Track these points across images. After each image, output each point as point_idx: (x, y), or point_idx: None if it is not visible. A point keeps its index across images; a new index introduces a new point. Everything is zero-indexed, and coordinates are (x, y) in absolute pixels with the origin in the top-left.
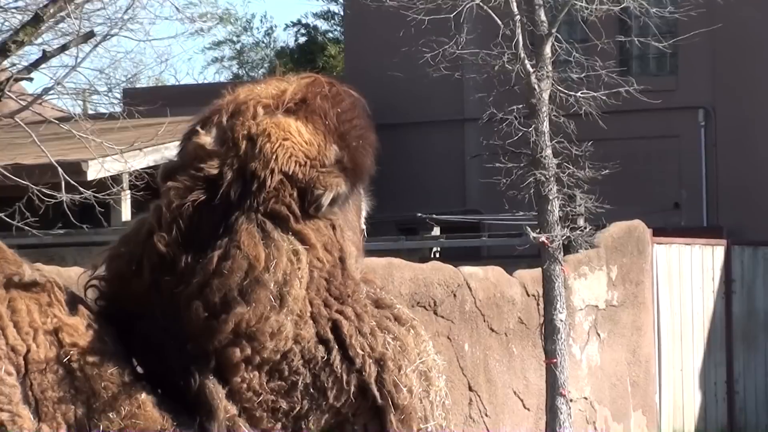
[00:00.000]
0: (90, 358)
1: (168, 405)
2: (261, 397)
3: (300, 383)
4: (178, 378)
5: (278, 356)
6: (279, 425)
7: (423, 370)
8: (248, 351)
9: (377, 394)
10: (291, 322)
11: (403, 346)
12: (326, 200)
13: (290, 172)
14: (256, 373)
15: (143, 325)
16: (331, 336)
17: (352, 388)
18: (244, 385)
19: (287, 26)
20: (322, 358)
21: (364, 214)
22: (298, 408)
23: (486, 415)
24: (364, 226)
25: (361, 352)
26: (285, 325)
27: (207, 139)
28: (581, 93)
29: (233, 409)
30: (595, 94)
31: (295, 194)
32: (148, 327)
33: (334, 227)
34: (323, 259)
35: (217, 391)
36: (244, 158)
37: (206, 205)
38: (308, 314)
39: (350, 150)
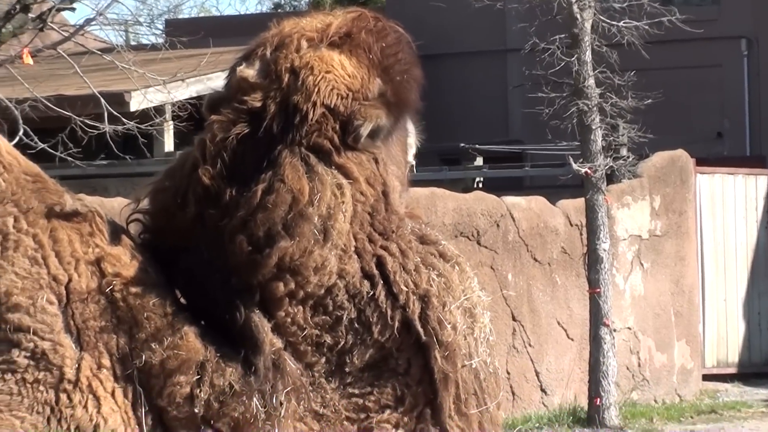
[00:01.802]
0: (133, 289)
1: (211, 337)
2: (306, 332)
3: (344, 318)
4: (222, 312)
5: (322, 291)
6: (323, 359)
7: (467, 306)
8: (292, 285)
9: (421, 330)
10: (335, 257)
11: (447, 283)
12: (365, 131)
13: (332, 105)
14: (301, 307)
15: (187, 258)
16: (376, 272)
17: (396, 324)
18: (289, 320)
19: None
20: (367, 293)
21: (412, 150)
22: (342, 342)
23: (529, 345)
24: (412, 161)
25: (405, 289)
26: (329, 260)
27: (250, 71)
28: (624, 22)
29: (279, 343)
30: (638, 24)
31: (337, 127)
32: (192, 260)
33: (377, 161)
34: (366, 193)
35: (262, 324)
36: (287, 91)
37: (250, 139)
38: (353, 249)
39: (394, 84)
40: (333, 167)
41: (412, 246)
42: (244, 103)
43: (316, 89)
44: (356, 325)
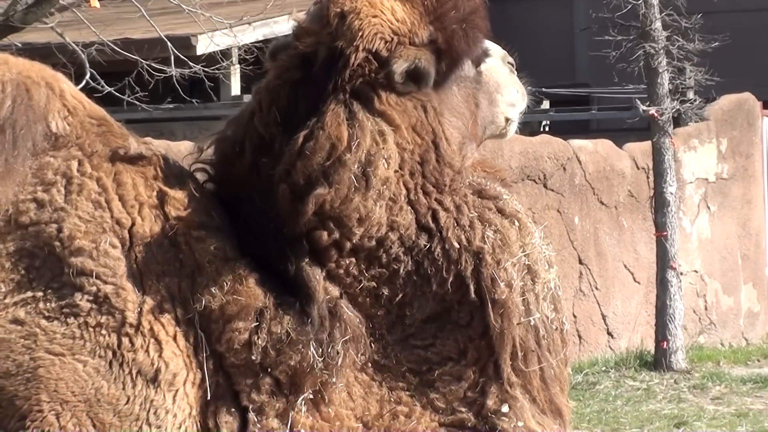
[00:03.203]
0: (195, 233)
1: (271, 284)
2: (362, 284)
3: (402, 271)
4: (276, 262)
5: (373, 243)
6: (383, 311)
7: (527, 263)
8: (336, 235)
9: (473, 288)
10: (381, 207)
11: (504, 240)
12: (399, 68)
13: (374, 49)
14: (353, 259)
15: (245, 208)
16: (432, 225)
17: (451, 278)
18: (341, 271)
19: None
20: (425, 246)
21: (515, 108)
22: (401, 295)
23: (596, 288)
24: (514, 118)
25: (457, 246)
26: (373, 210)
27: (302, 15)
28: None
29: (335, 291)
30: None
31: (381, 72)
32: (248, 210)
33: (425, 109)
34: (413, 141)
35: (314, 273)
36: (335, 36)
37: (303, 85)
38: (403, 199)
39: (447, 32)
40: (375, 114)
41: (468, 200)
42: (296, 48)
43: (360, 33)
44: (414, 277)
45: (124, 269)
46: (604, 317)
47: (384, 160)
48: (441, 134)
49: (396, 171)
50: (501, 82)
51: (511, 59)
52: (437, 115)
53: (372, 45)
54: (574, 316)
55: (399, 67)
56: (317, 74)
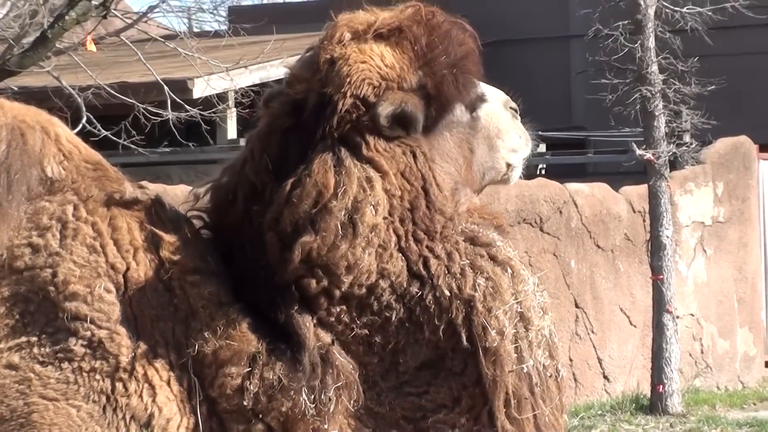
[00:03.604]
0: (190, 277)
1: (264, 330)
2: (354, 332)
3: (394, 318)
4: (267, 310)
5: (364, 290)
6: (376, 358)
7: (519, 311)
8: (324, 283)
9: (464, 336)
10: (371, 255)
11: (495, 287)
12: (383, 111)
13: (361, 95)
14: (344, 307)
15: (237, 255)
16: (423, 272)
17: (443, 326)
18: (332, 319)
19: None
20: (417, 293)
21: (511, 154)
22: (394, 342)
23: (592, 331)
24: (515, 163)
25: (448, 293)
26: (361, 258)
27: (295, 63)
28: (687, 8)
29: (327, 338)
30: (701, 10)
31: (367, 118)
32: (240, 258)
33: (414, 154)
34: (402, 188)
35: (304, 320)
36: (324, 82)
37: (294, 132)
38: (393, 246)
39: (436, 77)
40: (363, 160)
41: (460, 247)
42: (289, 95)
43: (348, 79)
44: (407, 325)
45: (118, 314)
46: (600, 361)
47: (372, 207)
48: (431, 180)
49: (385, 218)
50: (502, 128)
51: (513, 104)
52: (427, 161)
53: (360, 91)
54: (570, 360)
55: (384, 110)
56: (307, 121)
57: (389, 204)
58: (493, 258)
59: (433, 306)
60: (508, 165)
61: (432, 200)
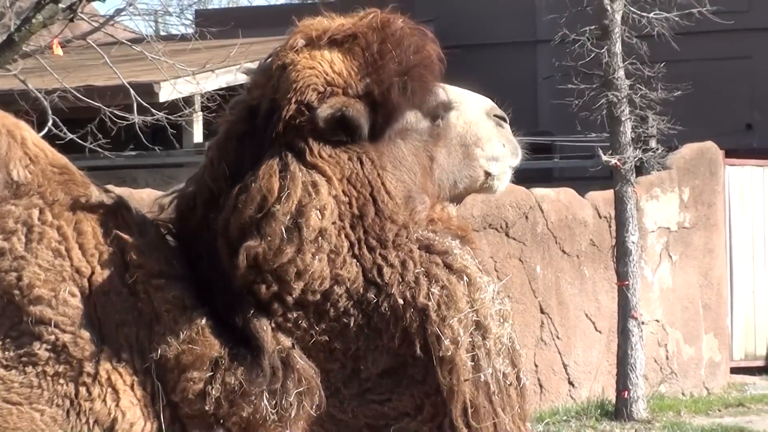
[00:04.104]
0: (155, 281)
1: (229, 335)
2: (314, 338)
3: (352, 324)
4: (226, 316)
5: (318, 296)
6: (338, 365)
7: (475, 319)
8: (275, 288)
9: (418, 345)
10: (321, 261)
11: (450, 296)
12: (321, 114)
13: (305, 101)
14: (301, 312)
15: (199, 263)
16: (378, 280)
17: (398, 333)
18: (290, 324)
19: None
20: (373, 300)
21: (491, 163)
22: (354, 348)
23: (557, 337)
24: (493, 171)
25: (401, 302)
26: (311, 264)
27: (253, 68)
28: (654, 14)
29: (287, 342)
30: (668, 15)
31: (309, 123)
32: (201, 265)
33: (361, 161)
34: (349, 193)
35: (262, 325)
36: (275, 88)
37: (249, 138)
38: (346, 251)
39: (383, 84)
40: (308, 165)
41: (414, 256)
42: (245, 101)
43: (294, 85)
44: (366, 331)
45: (83, 318)
46: (565, 366)
47: (317, 211)
48: (379, 187)
49: (334, 223)
50: (482, 136)
51: (499, 112)
52: (375, 168)
53: (304, 96)
54: (536, 366)
55: (322, 113)
56: (259, 126)
57: (338, 209)
58: (448, 266)
59: (389, 314)
60: (487, 173)
61: (381, 208)
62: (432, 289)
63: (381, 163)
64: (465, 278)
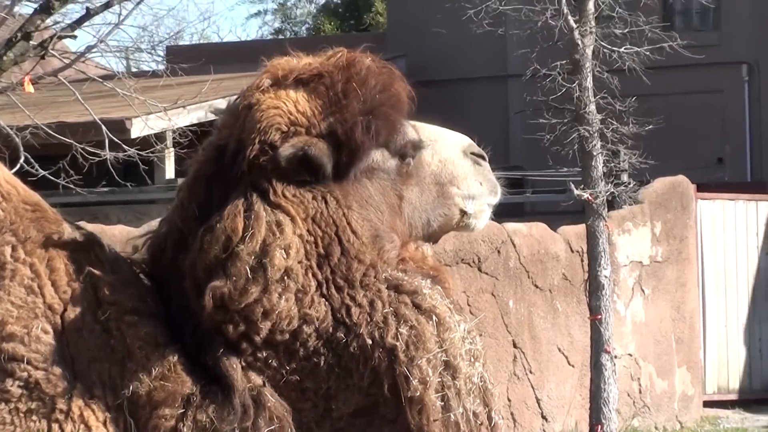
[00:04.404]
0: (128, 317)
1: (200, 373)
2: (285, 378)
3: (323, 364)
4: (197, 356)
5: (287, 336)
6: (309, 404)
7: (445, 359)
8: (242, 328)
9: (386, 385)
10: (288, 300)
11: (418, 336)
12: (283, 153)
13: (269, 141)
14: (271, 352)
15: (170, 304)
16: (347, 320)
17: (368, 373)
18: (260, 364)
19: None
20: (343, 339)
21: (466, 201)
22: (326, 388)
23: (530, 371)
24: (469, 209)
25: (370, 342)
26: (278, 304)
27: (222, 108)
28: (624, 48)
29: (258, 380)
30: (639, 50)
31: (272, 163)
32: (172, 305)
33: (326, 201)
34: (314, 233)
35: (231, 363)
36: (242, 128)
37: (217, 178)
38: (314, 291)
39: (346, 124)
40: (272, 205)
41: (383, 296)
42: (214, 142)
43: (258, 125)
44: (337, 370)
45: (55, 355)
46: (538, 401)
47: (281, 250)
48: (345, 226)
49: (300, 262)
50: (458, 174)
51: (477, 150)
52: (341, 207)
53: (268, 136)
54: (509, 400)
55: (284, 152)
56: (226, 167)
57: (303, 248)
58: (417, 306)
59: (358, 354)
60: (463, 212)
61: (346, 247)
62: (400, 330)
63: (346, 203)
64: (434, 318)
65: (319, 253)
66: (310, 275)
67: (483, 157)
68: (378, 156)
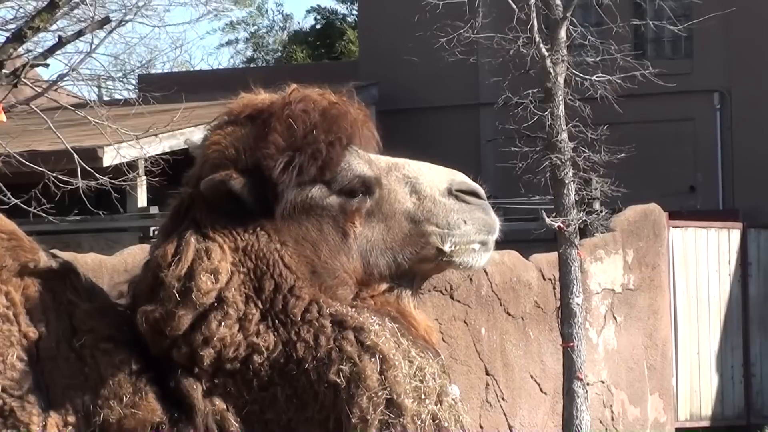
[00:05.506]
0: (102, 345)
1: (171, 401)
2: (246, 407)
3: (280, 394)
4: (167, 385)
5: (238, 364)
6: None
7: (387, 397)
8: (185, 351)
9: (332, 421)
10: (229, 327)
11: (359, 373)
12: (204, 185)
13: (203, 175)
14: (229, 379)
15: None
16: (294, 354)
17: (318, 408)
18: (220, 390)
19: (307, 12)
20: (293, 372)
21: (459, 240)
22: (286, 419)
23: (503, 399)
24: (448, 249)
25: (315, 377)
26: (217, 330)
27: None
28: (596, 77)
29: (221, 404)
30: (611, 78)
31: (198, 194)
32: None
33: (257, 235)
34: (245, 264)
35: (191, 384)
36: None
37: (179, 214)
38: (258, 320)
39: (267, 160)
40: (203, 235)
41: (326, 331)
42: (187, 178)
43: (200, 161)
44: (294, 401)
45: (30, 383)
46: (510, 428)
47: (208, 275)
48: (277, 261)
49: (237, 289)
50: (437, 212)
51: (469, 187)
52: (272, 242)
53: (203, 171)
54: (481, 427)
55: (203, 184)
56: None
57: (239, 277)
58: (360, 343)
59: (309, 387)
60: (440, 250)
61: (279, 282)
62: (342, 366)
63: (280, 238)
64: (377, 356)
65: (254, 285)
66: (252, 304)
67: (475, 194)
68: (316, 192)
